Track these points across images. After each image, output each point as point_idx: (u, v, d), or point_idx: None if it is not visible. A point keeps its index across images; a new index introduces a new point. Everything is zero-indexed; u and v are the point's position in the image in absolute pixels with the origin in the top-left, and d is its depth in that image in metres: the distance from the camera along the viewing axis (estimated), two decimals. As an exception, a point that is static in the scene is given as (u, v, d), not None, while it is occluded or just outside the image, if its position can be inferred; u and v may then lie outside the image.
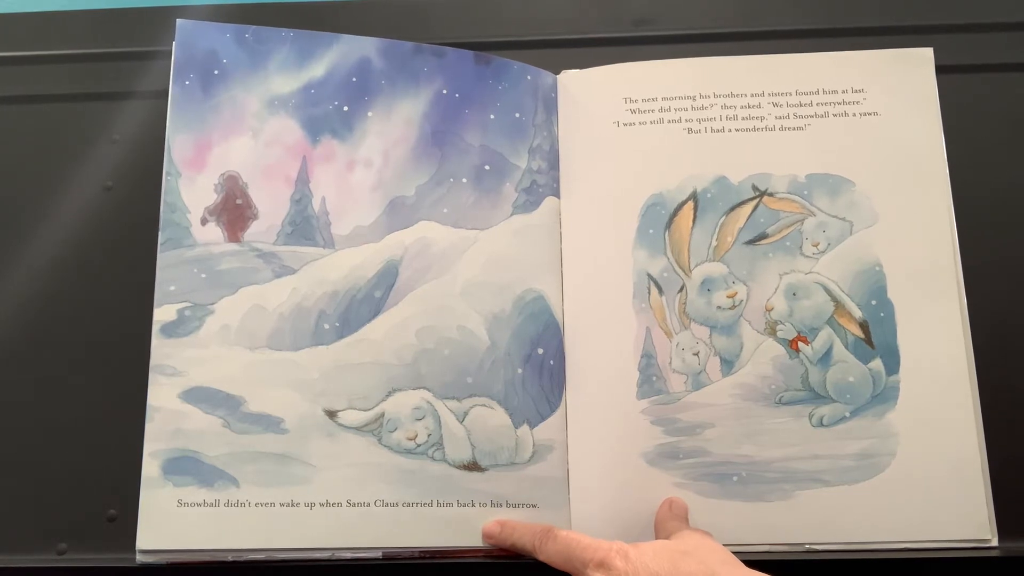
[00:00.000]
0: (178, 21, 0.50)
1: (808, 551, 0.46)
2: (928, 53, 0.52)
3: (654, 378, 0.48)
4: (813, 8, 0.56)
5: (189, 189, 0.48)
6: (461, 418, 0.47)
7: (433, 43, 0.52)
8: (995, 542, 0.46)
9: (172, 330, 0.46)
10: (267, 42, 0.51)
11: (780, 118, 0.51)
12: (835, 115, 0.51)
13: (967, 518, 0.46)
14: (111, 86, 0.54)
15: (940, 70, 0.52)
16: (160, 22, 0.55)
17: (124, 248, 0.51)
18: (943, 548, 0.46)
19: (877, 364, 0.48)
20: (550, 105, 0.53)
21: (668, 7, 0.57)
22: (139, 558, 0.44)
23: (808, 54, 0.52)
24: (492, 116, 0.51)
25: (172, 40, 0.50)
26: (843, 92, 0.51)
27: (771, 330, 0.49)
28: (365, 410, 0.47)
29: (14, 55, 0.56)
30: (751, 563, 0.41)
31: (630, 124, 0.52)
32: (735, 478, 0.47)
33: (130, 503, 0.45)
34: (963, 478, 0.46)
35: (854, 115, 0.51)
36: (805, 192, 0.50)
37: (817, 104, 0.51)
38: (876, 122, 0.51)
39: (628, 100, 0.52)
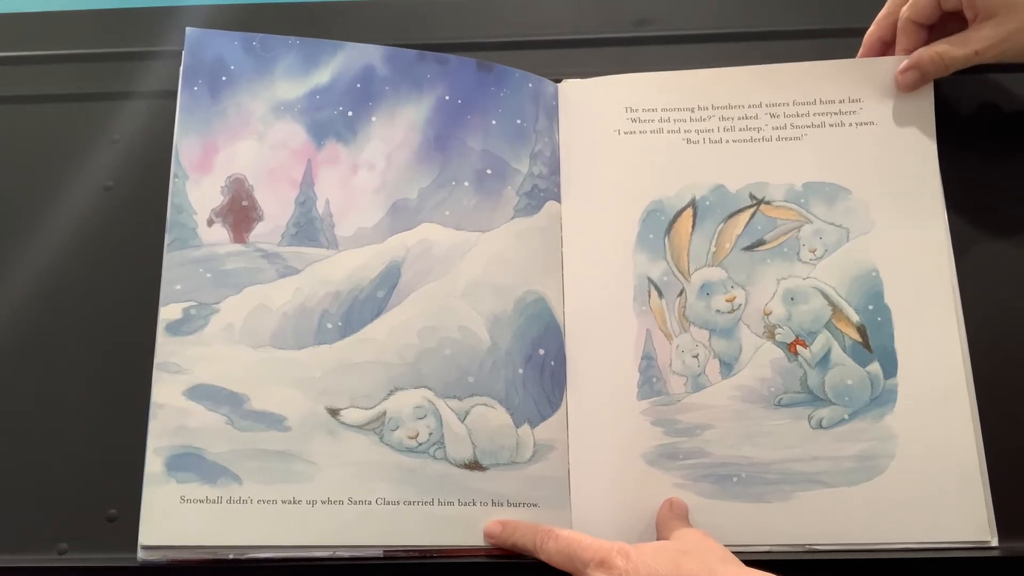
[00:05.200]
0: (187, 29, 0.51)
1: (808, 551, 0.46)
2: None
3: (654, 379, 0.49)
4: (813, 9, 0.57)
5: (196, 191, 0.49)
6: (462, 417, 0.47)
7: (435, 44, 0.53)
8: (995, 543, 0.46)
9: (177, 328, 0.47)
10: (274, 49, 0.52)
11: (777, 128, 0.52)
12: (832, 125, 0.52)
13: (967, 519, 0.46)
14: (111, 86, 0.55)
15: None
16: (159, 22, 0.57)
17: (125, 248, 0.52)
18: (943, 549, 0.46)
19: (875, 367, 0.48)
20: (551, 112, 0.54)
21: (669, 8, 0.58)
22: (141, 555, 0.44)
23: (806, 63, 0.53)
24: (494, 122, 0.52)
25: (172, 41, 0.51)
26: (840, 102, 0.52)
27: (770, 334, 0.49)
28: (367, 409, 0.47)
29: (14, 55, 0.57)
30: (751, 563, 0.41)
31: (631, 132, 0.53)
32: (735, 479, 0.47)
33: (131, 503, 0.45)
34: (962, 479, 0.46)
35: (850, 125, 0.52)
36: (802, 200, 0.51)
37: (814, 114, 0.52)
38: (872, 132, 0.52)
39: (629, 109, 0.53)
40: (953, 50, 0.50)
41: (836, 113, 0.52)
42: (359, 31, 0.53)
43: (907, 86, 0.52)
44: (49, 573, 0.46)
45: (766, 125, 0.52)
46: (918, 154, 0.51)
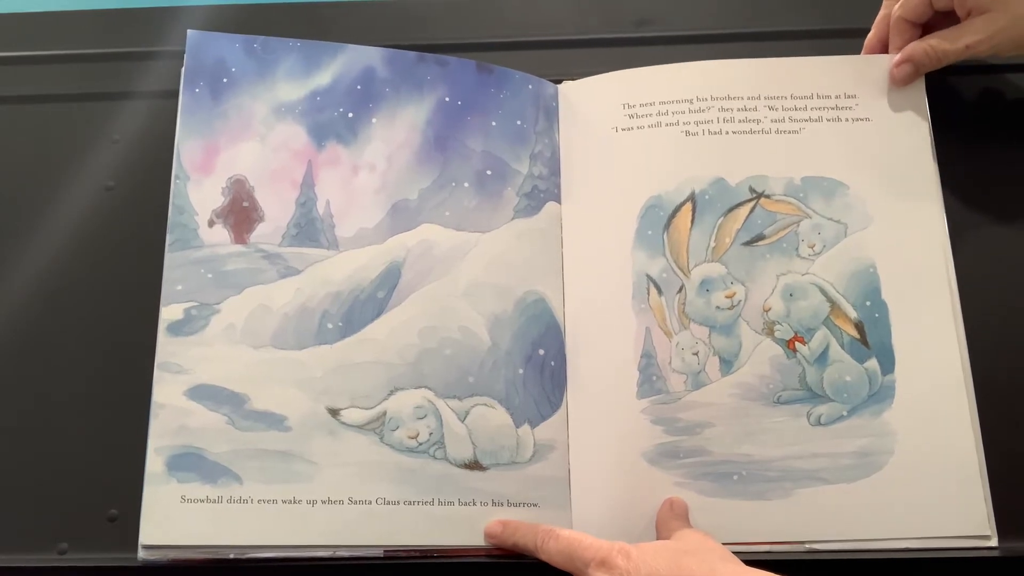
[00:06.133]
0: (188, 32, 0.51)
1: (809, 551, 0.46)
2: None
3: (654, 378, 0.49)
4: (813, 9, 0.58)
5: (197, 192, 0.49)
6: (462, 417, 0.48)
7: (435, 45, 0.53)
8: (995, 541, 0.46)
9: (178, 328, 0.47)
10: (275, 51, 0.52)
11: (776, 121, 0.52)
12: (828, 120, 0.52)
13: (966, 515, 0.46)
14: (111, 86, 0.56)
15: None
16: (160, 23, 0.57)
17: (126, 248, 0.52)
18: (943, 548, 0.45)
19: (873, 364, 0.48)
20: (551, 114, 0.54)
21: (669, 8, 0.58)
22: (141, 554, 0.44)
23: (802, 58, 0.53)
24: (494, 123, 0.53)
25: (172, 41, 0.51)
26: (836, 97, 0.53)
27: (769, 330, 0.49)
28: (367, 409, 0.47)
29: (14, 55, 0.57)
30: (752, 562, 0.41)
31: (629, 129, 0.53)
32: (735, 477, 0.47)
33: (131, 503, 0.45)
34: (961, 475, 0.46)
35: (847, 120, 0.52)
36: (801, 194, 0.51)
37: (812, 108, 0.52)
38: (868, 128, 0.52)
39: (627, 106, 0.53)
40: (945, 44, 0.51)
41: (833, 108, 0.52)
42: (359, 32, 0.53)
43: (902, 79, 0.52)
44: (49, 573, 0.46)
45: (765, 117, 0.52)
46: (913, 150, 0.52)
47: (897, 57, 0.52)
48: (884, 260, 0.50)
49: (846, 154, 0.52)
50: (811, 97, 0.53)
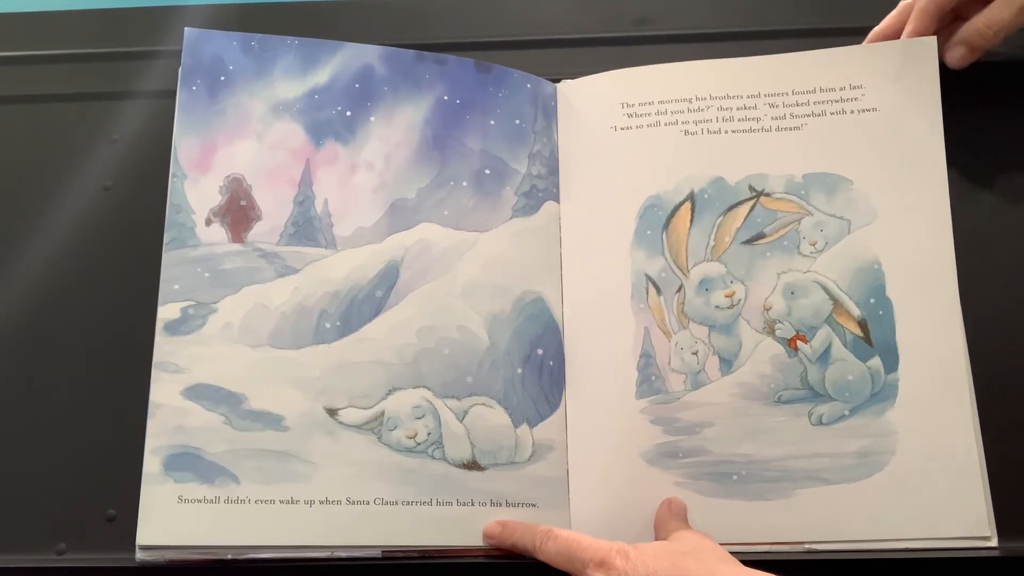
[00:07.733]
0: (186, 30, 0.51)
1: (808, 552, 0.46)
2: (931, 42, 0.51)
3: (653, 377, 0.49)
4: (813, 8, 0.57)
5: (194, 191, 0.49)
6: (461, 417, 0.47)
7: (434, 44, 0.53)
8: (995, 542, 0.45)
9: (175, 328, 0.47)
10: (272, 49, 0.52)
11: (776, 119, 0.51)
12: (832, 113, 0.51)
13: (966, 514, 0.45)
14: (110, 86, 0.56)
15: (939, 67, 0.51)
16: (159, 22, 0.57)
17: (124, 248, 0.52)
18: (943, 548, 0.45)
19: (876, 362, 0.48)
20: (549, 113, 0.54)
21: (668, 7, 0.58)
22: (139, 555, 0.44)
23: (805, 52, 0.52)
24: (492, 122, 0.52)
25: (171, 40, 0.51)
26: (840, 89, 0.51)
27: (770, 329, 0.49)
28: (365, 408, 0.47)
29: (14, 55, 0.57)
30: (751, 563, 0.40)
31: (627, 128, 0.53)
32: (735, 477, 0.47)
33: (129, 503, 0.45)
34: (962, 475, 0.46)
35: (852, 112, 0.51)
36: (802, 192, 0.50)
37: (814, 103, 0.51)
38: (875, 118, 0.51)
39: (625, 105, 0.53)
40: (999, 12, 0.49)
41: (837, 101, 0.51)
42: (358, 31, 0.53)
43: (957, 62, 0.51)
44: (48, 573, 0.46)
45: (765, 115, 0.51)
46: (923, 140, 0.50)
47: (949, 42, 0.51)
48: (889, 256, 0.49)
49: (850, 148, 0.50)
50: (814, 91, 0.51)
